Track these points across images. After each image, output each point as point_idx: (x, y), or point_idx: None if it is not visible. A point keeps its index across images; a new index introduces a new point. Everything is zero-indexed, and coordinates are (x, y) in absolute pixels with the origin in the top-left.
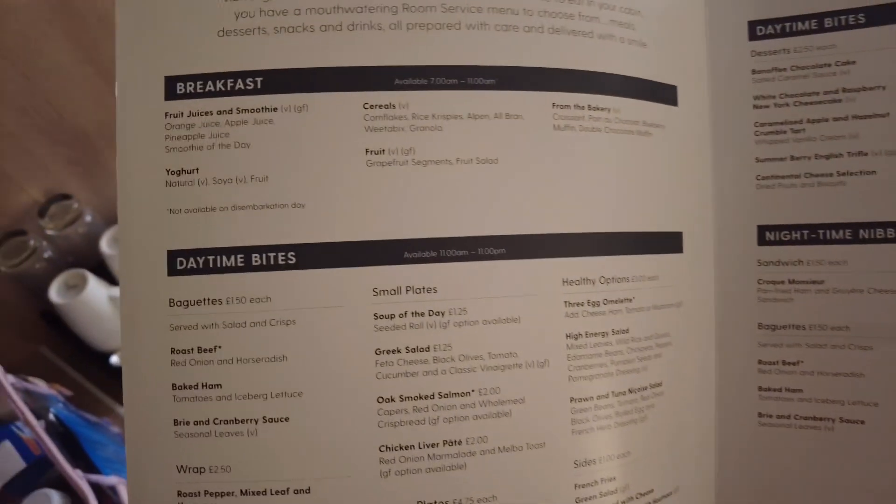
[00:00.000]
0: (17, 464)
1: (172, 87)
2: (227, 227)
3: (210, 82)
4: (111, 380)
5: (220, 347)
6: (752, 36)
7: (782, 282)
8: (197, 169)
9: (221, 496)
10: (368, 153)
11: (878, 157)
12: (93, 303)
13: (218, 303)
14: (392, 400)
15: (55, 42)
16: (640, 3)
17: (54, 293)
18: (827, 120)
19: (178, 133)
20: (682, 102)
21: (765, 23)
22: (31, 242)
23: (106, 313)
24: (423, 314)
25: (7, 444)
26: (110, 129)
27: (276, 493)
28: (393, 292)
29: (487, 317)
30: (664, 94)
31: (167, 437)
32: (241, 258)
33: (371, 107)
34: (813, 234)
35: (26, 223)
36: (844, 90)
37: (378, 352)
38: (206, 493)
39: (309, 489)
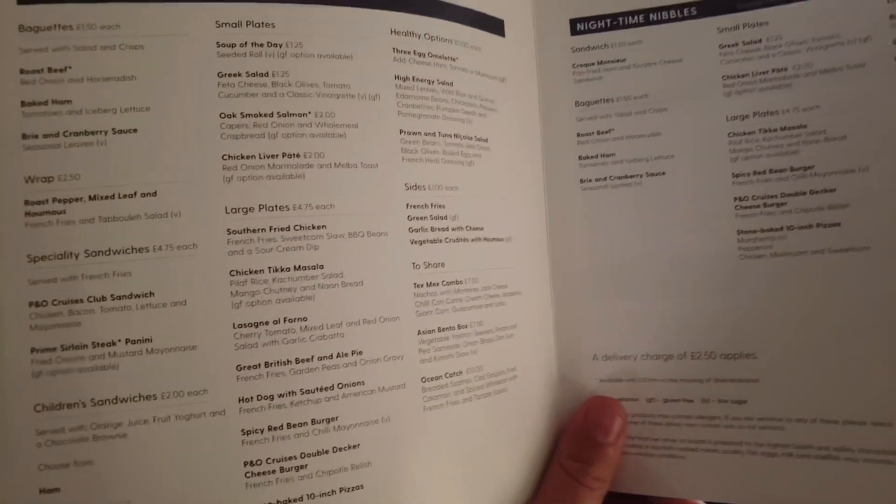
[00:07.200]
0: None
1: None
2: None
3: None
4: None
5: (70, 68)
6: None
7: (592, 63)
8: None
9: (69, 202)
10: None
11: None
12: None
13: (69, 28)
14: (234, 116)
15: None
16: None
17: None
18: None
19: None
20: None
21: None
22: None
23: None
24: (262, 45)
25: None
26: None
27: (124, 196)
28: (234, 25)
29: (322, 51)
30: None
31: (15, 149)
32: None
33: None
34: (614, 21)
35: None
36: None
37: (220, 74)
38: (53, 199)
39: (155, 192)
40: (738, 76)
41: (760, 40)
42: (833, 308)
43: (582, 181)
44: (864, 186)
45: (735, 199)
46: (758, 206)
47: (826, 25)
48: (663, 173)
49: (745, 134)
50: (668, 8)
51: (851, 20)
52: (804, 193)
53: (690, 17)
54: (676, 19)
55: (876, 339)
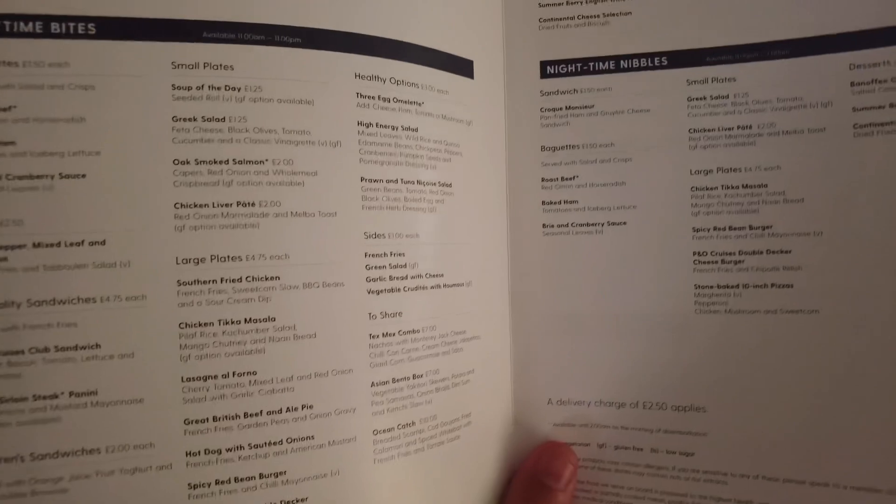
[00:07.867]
0: None
1: None
2: None
3: None
4: None
5: (15, 107)
6: None
7: (560, 108)
8: None
9: (11, 249)
10: None
11: (633, 0)
12: None
13: (14, 65)
14: (188, 163)
15: None
16: None
17: None
18: None
19: None
20: None
21: None
22: None
23: None
24: (219, 88)
25: None
26: None
27: (71, 244)
28: (191, 66)
29: (282, 96)
30: None
31: None
32: (39, 25)
33: None
34: (584, 65)
35: None
36: None
37: (175, 119)
38: None
39: (104, 241)
40: (705, 130)
41: (728, 96)
42: (781, 368)
43: (544, 226)
44: (817, 251)
45: (694, 253)
46: (716, 262)
47: (791, 87)
48: (625, 223)
49: (707, 189)
50: (639, 56)
51: (815, 84)
52: (761, 252)
53: (661, 66)
54: (647, 68)
55: (819, 401)
